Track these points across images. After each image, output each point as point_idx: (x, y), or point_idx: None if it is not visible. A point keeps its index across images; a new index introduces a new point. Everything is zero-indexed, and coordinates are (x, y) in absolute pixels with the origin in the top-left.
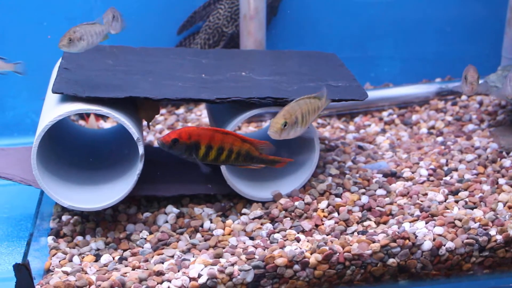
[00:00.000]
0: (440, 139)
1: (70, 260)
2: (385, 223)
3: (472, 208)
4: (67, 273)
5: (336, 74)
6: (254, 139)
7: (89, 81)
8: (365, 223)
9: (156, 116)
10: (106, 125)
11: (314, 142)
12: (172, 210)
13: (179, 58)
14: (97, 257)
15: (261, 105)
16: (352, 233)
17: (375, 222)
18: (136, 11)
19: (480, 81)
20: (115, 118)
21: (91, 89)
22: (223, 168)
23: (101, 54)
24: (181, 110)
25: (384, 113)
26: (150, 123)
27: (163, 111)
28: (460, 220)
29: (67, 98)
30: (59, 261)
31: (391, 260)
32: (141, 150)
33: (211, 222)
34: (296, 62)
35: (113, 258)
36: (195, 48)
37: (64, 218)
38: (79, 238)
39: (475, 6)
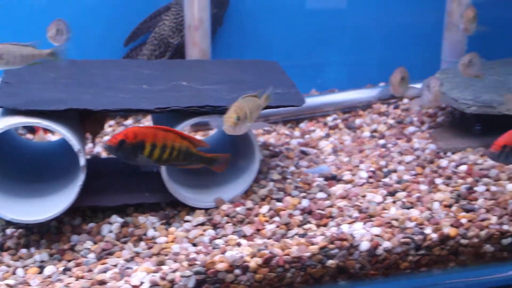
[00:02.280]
0: (381, 141)
1: (14, 273)
2: (325, 225)
3: (409, 208)
4: (10, 286)
5: (276, 82)
6: (192, 136)
7: (30, 94)
8: (306, 226)
9: (104, 127)
10: (55, 138)
11: (255, 149)
12: (116, 219)
13: (121, 70)
14: (41, 269)
15: (201, 114)
16: (293, 236)
17: (315, 225)
18: (82, 23)
19: (416, 85)
20: (55, 130)
21: (32, 102)
22: (165, 175)
23: (43, 67)
24: (129, 121)
25: (329, 118)
26: (98, 136)
27: (111, 122)
28: (397, 220)
29: (7, 111)
30: (3, 274)
31: (330, 262)
32: (82, 161)
33: (154, 230)
34: (238, 70)
35: (57, 269)
36: (139, 60)
37: (8, 231)
38: (23, 250)
39: (415, 12)
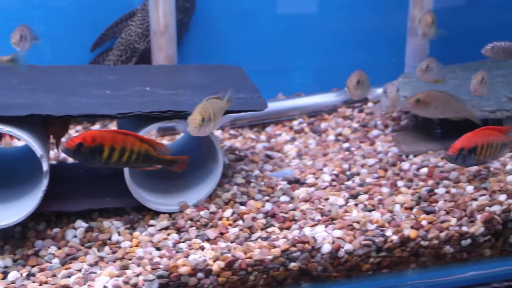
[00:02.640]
0: (346, 145)
1: None
2: (288, 228)
3: (370, 211)
4: None
5: (238, 86)
6: (151, 139)
7: None
8: (269, 229)
9: (68, 130)
10: (22, 143)
11: (218, 153)
12: (81, 224)
13: (86, 75)
14: (5, 275)
15: (163, 119)
16: (256, 239)
17: (279, 228)
18: (48, 29)
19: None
20: (18, 136)
21: None
22: (128, 181)
23: (7, 73)
24: (96, 126)
25: (295, 122)
26: (63, 139)
27: (78, 127)
28: (358, 222)
29: None
30: None
31: (292, 264)
32: (45, 167)
33: (119, 235)
34: (202, 75)
35: (21, 274)
36: (103, 65)
37: None
38: None
39: (379, 17)
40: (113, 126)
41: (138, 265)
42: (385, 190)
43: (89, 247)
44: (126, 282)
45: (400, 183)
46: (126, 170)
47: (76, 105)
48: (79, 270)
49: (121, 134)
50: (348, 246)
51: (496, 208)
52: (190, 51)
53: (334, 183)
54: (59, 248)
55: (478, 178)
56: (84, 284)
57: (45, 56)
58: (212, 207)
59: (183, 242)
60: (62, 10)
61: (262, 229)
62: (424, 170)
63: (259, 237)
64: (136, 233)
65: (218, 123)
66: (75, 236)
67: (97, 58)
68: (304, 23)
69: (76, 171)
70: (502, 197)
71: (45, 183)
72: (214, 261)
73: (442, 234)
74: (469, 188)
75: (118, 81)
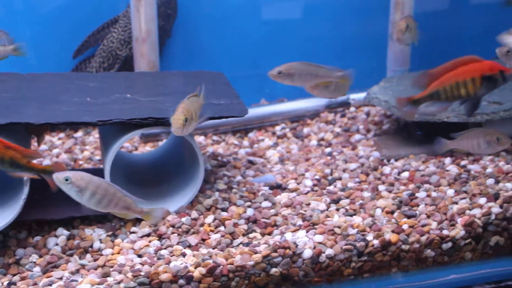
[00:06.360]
0: (328, 150)
1: None
2: (270, 234)
3: (352, 215)
4: None
5: (219, 93)
6: (20, 147)
7: None
8: (251, 235)
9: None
10: None
11: (199, 159)
12: (62, 232)
13: (66, 83)
14: None
15: (143, 126)
16: (238, 245)
17: (260, 233)
18: (31, 36)
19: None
20: None
21: None
22: None
23: None
24: (79, 133)
25: (277, 128)
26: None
27: (61, 135)
28: (339, 227)
29: None
30: None
31: (273, 270)
32: None
33: (100, 242)
34: (183, 82)
35: (2, 283)
36: (85, 72)
37: None
38: None
39: (361, 22)
40: (95, 133)
41: (120, 272)
42: (366, 194)
43: (71, 255)
44: None
45: (381, 187)
46: (107, 177)
47: (57, 113)
48: (60, 278)
49: None
50: (329, 251)
51: (477, 212)
52: (172, 57)
53: (315, 188)
54: (40, 256)
55: (458, 181)
56: None
57: (27, 63)
58: (194, 214)
59: (165, 248)
60: (44, 17)
61: (243, 235)
62: (405, 174)
63: (241, 243)
64: (117, 240)
65: (199, 121)
66: (57, 244)
67: (80, 65)
68: (286, 28)
69: None
70: (482, 200)
71: (25, 191)
72: (195, 268)
73: (423, 238)
74: (450, 192)
75: (99, 88)
